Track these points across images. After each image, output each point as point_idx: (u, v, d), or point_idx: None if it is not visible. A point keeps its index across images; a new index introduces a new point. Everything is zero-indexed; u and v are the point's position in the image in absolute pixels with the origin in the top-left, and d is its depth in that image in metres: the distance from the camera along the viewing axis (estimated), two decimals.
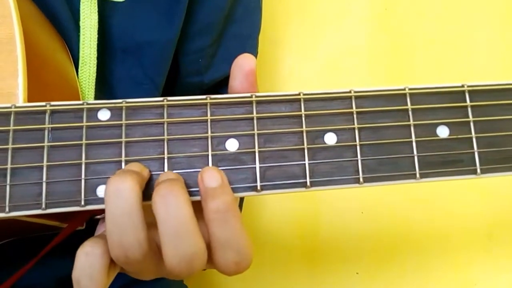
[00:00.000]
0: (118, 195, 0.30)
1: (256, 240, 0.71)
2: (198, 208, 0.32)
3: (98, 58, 0.44)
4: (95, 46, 0.44)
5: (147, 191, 0.32)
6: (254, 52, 0.58)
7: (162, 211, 0.30)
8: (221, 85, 0.56)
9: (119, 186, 0.30)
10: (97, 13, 0.44)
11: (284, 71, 0.77)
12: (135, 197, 0.30)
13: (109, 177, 0.31)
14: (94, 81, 0.44)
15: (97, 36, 0.44)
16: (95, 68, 0.44)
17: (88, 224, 0.39)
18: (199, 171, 0.33)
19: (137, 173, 0.31)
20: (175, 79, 0.54)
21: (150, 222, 0.31)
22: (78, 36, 0.44)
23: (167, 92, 0.52)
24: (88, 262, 0.31)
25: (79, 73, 0.43)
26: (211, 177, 0.32)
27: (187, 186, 0.33)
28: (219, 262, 0.32)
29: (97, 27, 0.44)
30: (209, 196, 0.31)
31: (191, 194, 0.33)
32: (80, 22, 0.43)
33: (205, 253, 0.31)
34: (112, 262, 0.32)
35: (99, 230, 0.37)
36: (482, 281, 0.71)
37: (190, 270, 0.31)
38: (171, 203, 0.30)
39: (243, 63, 0.35)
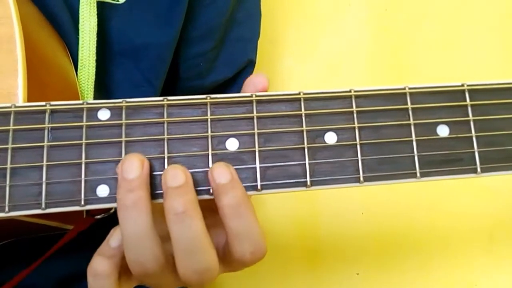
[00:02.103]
0: (132, 221, 0.31)
1: None
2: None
3: (97, 60, 0.44)
4: (94, 49, 0.44)
5: (150, 190, 0.32)
6: (253, 56, 0.58)
7: (177, 231, 0.31)
8: (221, 89, 0.56)
9: (132, 213, 0.31)
10: (96, 16, 0.44)
11: (284, 72, 0.77)
12: (148, 220, 0.31)
13: (110, 177, 0.32)
14: (93, 83, 0.44)
15: (96, 39, 0.44)
16: (94, 71, 0.44)
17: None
18: (199, 170, 0.33)
19: (140, 180, 0.31)
20: (174, 84, 0.54)
21: (164, 236, 0.32)
22: (77, 38, 0.44)
23: (166, 96, 0.52)
24: (97, 284, 0.33)
25: (78, 75, 0.43)
26: (221, 174, 0.32)
27: None
28: (236, 253, 0.33)
29: (96, 30, 0.44)
30: (221, 192, 0.32)
31: None
32: (79, 25, 0.43)
33: (217, 265, 0.33)
34: (126, 274, 0.33)
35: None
36: (483, 281, 0.71)
37: (201, 281, 0.32)
38: (185, 224, 0.31)
39: (257, 81, 0.36)
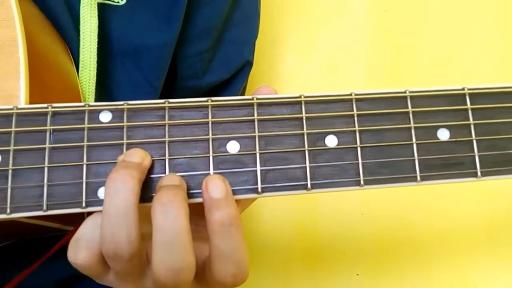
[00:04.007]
0: (117, 194, 0.30)
1: (256, 242, 0.71)
2: (199, 211, 0.33)
3: (98, 61, 0.44)
4: (95, 50, 0.44)
5: (147, 193, 0.32)
6: (251, 57, 0.58)
7: (159, 219, 0.30)
8: (218, 90, 0.56)
9: (119, 186, 0.30)
10: (97, 17, 0.44)
11: (283, 73, 0.77)
12: (133, 199, 0.30)
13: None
14: (94, 84, 0.44)
15: (97, 40, 0.44)
16: (95, 72, 0.44)
17: None
18: (200, 173, 0.33)
19: (138, 167, 0.32)
20: (172, 84, 0.54)
21: (146, 233, 0.31)
22: (78, 40, 0.44)
23: (165, 96, 0.52)
24: (90, 228, 0.32)
25: (79, 76, 0.43)
26: (216, 187, 0.32)
27: (188, 188, 0.33)
28: (217, 273, 0.32)
29: (97, 31, 0.44)
30: (214, 207, 0.31)
31: (192, 196, 0.33)
32: (80, 27, 0.43)
33: (193, 270, 0.31)
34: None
35: None
36: (483, 282, 0.71)
37: (175, 282, 0.31)
38: (170, 214, 0.30)
39: (267, 92, 0.35)
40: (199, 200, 0.33)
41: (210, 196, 0.31)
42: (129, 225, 0.30)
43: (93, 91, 0.44)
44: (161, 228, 0.30)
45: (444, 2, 0.79)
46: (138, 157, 0.32)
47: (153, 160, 0.33)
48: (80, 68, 0.44)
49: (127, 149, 0.33)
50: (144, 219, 0.31)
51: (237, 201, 0.33)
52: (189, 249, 0.31)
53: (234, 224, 0.31)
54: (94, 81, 0.44)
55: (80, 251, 0.32)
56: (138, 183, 0.31)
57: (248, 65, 0.57)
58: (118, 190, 0.30)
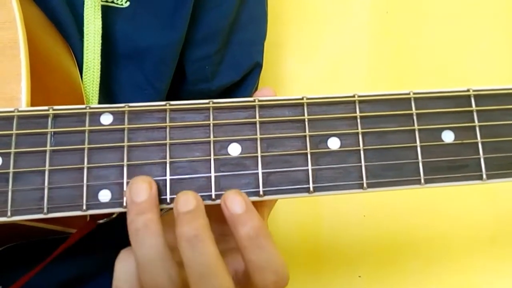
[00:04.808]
0: (145, 244, 0.30)
1: None
2: (221, 218, 0.32)
3: (101, 63, 0.44)
4: (99, 51, 0.44)
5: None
6: (260, 59, 0.58)
7: (189, 256, 0.31)
8: (229, 92, 0.56)
9: (144, 236, 0.30)
10: (100, 19, 0.44)
11: (287, 74, 0.77)
12: (161, 240, 0.31)
13: (112, 182, 0.32)
14: (98, 86, 0.44)
15: (100, 41, 0.44)
16: (98, 73, 0.44)
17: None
18: (201, 176, 0.33)
19: (151, 203, 0.31)
20: (182, 88, 0.54)
21: (180, 262, 0.31)
22: (82, 41, 0.44)
23: (173, 100, 0.52)
24: (125, 269, 0.32)
25: (83, 78, 0.43)
26: (235, 202, 0.31)
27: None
28: (258, 284, 0.32)
29: (100, 32, 0.44)
30: (238, 223, 0.31)
31: None
32: (84, 28, 0.43)
33: None
34: None
35: None
36: (485, 284, 0.71)
37: None
38: (197, 248, 0.30)
39: (267, 94, 0.35)
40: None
41: (232, 213, 0.31)
42: (166, 266, 0.31)
43: (97, 92, 0.44)
44: (193, 264, 0.31)
45: (445, 3, 0.79)
46: (144, 190, 0.31)
47: (154, 163, 0.33)
48: (84, 69, 0.43)
49: (128, 151, 0.33)
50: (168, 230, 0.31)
51: (261, 202, 0.33)
52: (224, 274, 0.31)
53: (261, 234, 0.31)
54: (98, 82, 0.44)
55: None
56: (159, 221, 0.31)
57: (258, 66, 0.57)
58: (145, 239, 0.30)
